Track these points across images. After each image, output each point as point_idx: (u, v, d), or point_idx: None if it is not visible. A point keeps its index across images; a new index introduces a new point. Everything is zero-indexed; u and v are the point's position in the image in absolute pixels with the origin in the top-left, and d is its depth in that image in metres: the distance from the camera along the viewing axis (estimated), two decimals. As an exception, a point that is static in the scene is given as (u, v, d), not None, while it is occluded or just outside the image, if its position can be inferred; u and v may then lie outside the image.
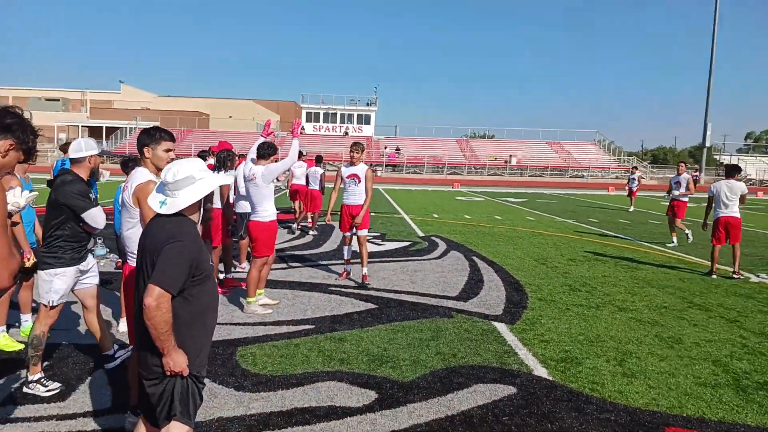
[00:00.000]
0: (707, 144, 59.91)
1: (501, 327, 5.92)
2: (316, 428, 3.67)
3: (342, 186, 7.77)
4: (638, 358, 5.13)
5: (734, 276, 8.89)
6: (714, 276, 8.95)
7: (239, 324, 5.80)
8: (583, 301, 7.15)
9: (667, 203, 12.84)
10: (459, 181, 46.28)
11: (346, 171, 7.75)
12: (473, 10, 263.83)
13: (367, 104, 65.33)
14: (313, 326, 5.76)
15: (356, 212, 7.60)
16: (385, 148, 59.71)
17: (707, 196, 9.40)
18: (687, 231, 12.40)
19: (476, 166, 59.83)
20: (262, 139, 6.82)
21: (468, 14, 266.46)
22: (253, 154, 6.65)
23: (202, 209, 2.75)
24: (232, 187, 7.73)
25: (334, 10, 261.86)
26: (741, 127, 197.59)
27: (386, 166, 56.96)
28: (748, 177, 58.19)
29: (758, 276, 9.11)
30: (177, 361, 2.52)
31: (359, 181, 7.60)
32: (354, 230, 7.70)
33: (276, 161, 6.46)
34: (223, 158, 7.11)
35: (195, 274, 2.56)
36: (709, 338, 5.76)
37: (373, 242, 11.52)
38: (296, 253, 10.00)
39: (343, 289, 7.37)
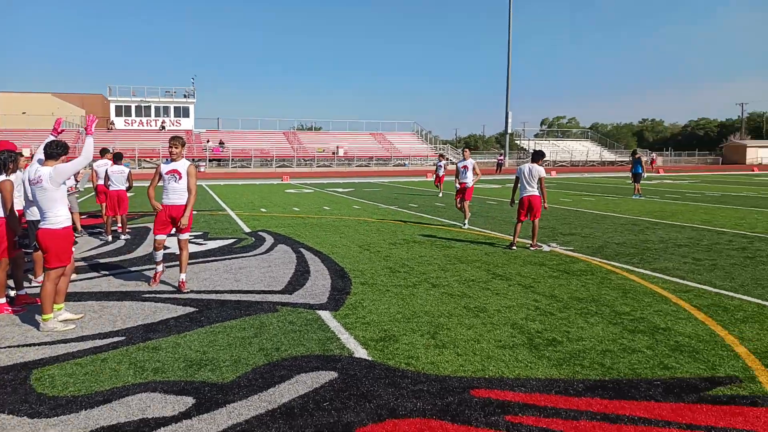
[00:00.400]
0: (509, 131, 66.42)
1: (325, 315, 6.01)
2: (124, 446, 3.41)
3: (160, 183, 7.22)
4: (449, 329, 5.54)
5: (531, 247, 10.00)
6: (514, 248, 9.99)
7: (35, 344, 5.18)
8: (402, 281, 7.54)
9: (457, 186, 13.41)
10: (288, 173, 46.02)
11: (165, 167, 7.16)
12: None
13: (185, 96, 61.89)
14: (123, 338, 5.34)
15: (176, 213, 7.09)
16: (208, 141, 57.27)
17: (515, 176, 10.40)
18: (465, 219, 13.16)
19: (305, 158, 59.97)
20: (51, 138, 6.15)
21: (287, 4, 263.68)
22: (40, 154, 5.96)
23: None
24: (21, 194, 6.87)
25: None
26: (538, 115, 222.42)
27: (210, 160, 54.70)
28: (543, 160, 65.54)
29: (549, 246, 10.34)
30: None
31: (180, 178, 7.08)
32: (175, 233, 7.24)
33: (68, 161, 5.85)
34: (3, 160, 6.26)
35: None
36: (508, 304, 6.42)
37: (194, 242, 11.01)
38: (105, 260, 9.19)
39: (158, 295, 6.94)
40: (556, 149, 71.73)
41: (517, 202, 10.29)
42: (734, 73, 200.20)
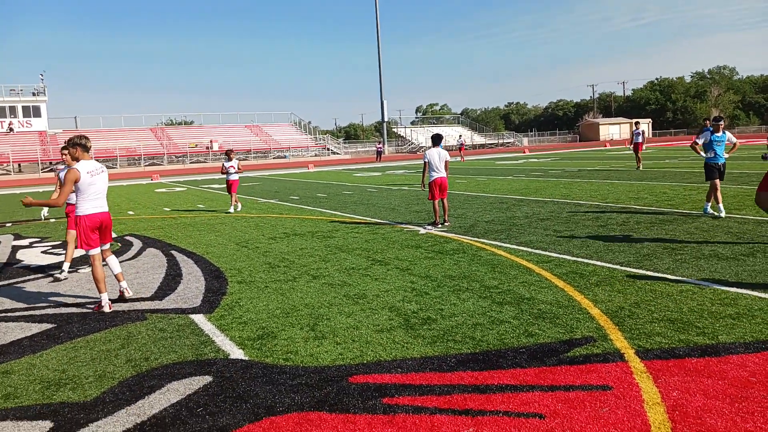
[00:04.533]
0: (386, 119, 67.60)
1: (198, 318, 5.77)
2: (-34, 486, 3.06)
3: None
4: (328, 319, 5.54)
5: (446, 223, 10.82)
6: (439, 225, 10.71)
7: None
8: (281, 276, 7.42)
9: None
10: (158, 172, 43.67)
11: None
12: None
13: (34, 94, 56.35)
14: (-35, 365, 4.78)
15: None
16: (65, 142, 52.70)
17: (424, 161, 10.82)
18: (238, 205, 15.48)
19: (177, 155, 57.18)
20: None
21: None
22: None
23: None
24: None
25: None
26: (413, 103, 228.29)
27: (70, 163, 50.43)
28: (420, 146, 67.53)
29: (425, 228, 10.68)
30: None
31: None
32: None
33: None
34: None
35: None
36: (386, 288, 6.54)
37: (52, 252, 10.11)
38: (-56, 280, 8.17)
39: (9, 314, 6.29)
40: (430, 135, 74.22)
41: (427, 184, 10.84)
42: (585, 56, 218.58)
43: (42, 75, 71.85)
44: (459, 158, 41.68)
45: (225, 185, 15.82)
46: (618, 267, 7.01)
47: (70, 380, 4.38)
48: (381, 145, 57.10)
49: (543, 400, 3.67)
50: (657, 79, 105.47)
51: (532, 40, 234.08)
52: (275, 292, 6.68)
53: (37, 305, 6.61)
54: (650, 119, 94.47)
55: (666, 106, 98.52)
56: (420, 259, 8.04)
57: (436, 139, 11.04)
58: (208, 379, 4.27)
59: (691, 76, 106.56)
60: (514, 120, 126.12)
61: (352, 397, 3.83)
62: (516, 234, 9.61)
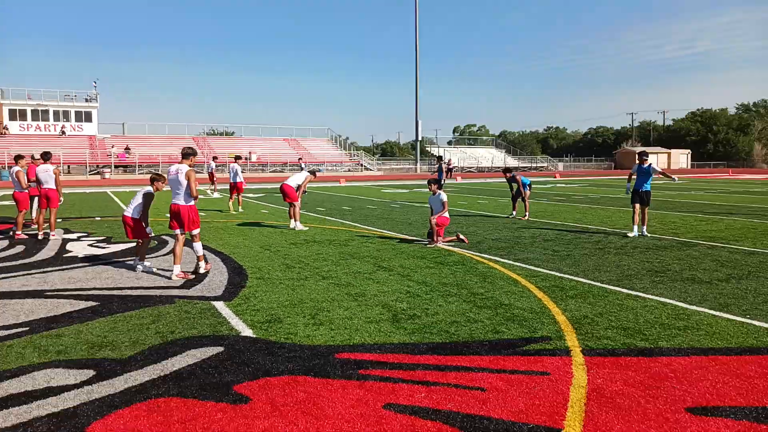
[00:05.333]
0: (420, 138, 68.64)
1: (219, 304, 6.72)
2: (33, 406, 4.01)
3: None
4: (328, 311, 6.42)
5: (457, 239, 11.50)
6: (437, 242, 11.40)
7: (-62, 337, 5.55)
8: (295, 275, 8.34)
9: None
10: (198, 179, 45.28)
11: None
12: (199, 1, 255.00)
13: (87, 100, 59.36)
14: (27, 328, 5.81)
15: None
16: (112, 147, 55.30)
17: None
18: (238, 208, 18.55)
19: (217, 164, 59.07)
20: None
21: (192, 6, 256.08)
22: None
23: None
24: None
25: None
26: (452, 122, 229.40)
27: (115, 167, 52.91)
28: (453, 166, 68.19)
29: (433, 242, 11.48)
30: None
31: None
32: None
33: None
34: None
35: None
36: (384, 290, 7.38)
37: (97, 245, 11.28)
38: (3, 264, 9.36)
39: (62, 293, 7.36)
40: (464, 156, 74.92)
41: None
42: (626, 83, 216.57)
43: (95, 83, 75.26)
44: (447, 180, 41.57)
45: (230, 187, 19.24)
46: (597, 284, 7.70)
47: (109, 344, 5.35)
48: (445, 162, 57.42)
49: (488, 379, 4.46)
50: (698, 109, 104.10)
51: (576, 65, 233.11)
52: (287, 287, 7.59)
53: (83, 288, 7.66)
54: (689, 150, 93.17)
55: (707, 137, 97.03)
56: (421, 267, 8.86)
57: (433, 182, 11.90)
58: (220, 349, 5.18)
59: (736, 109, 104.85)
60: (553, 144, 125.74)
61: (334, 368, 4.69)
62: (517, 251, 10.34)
